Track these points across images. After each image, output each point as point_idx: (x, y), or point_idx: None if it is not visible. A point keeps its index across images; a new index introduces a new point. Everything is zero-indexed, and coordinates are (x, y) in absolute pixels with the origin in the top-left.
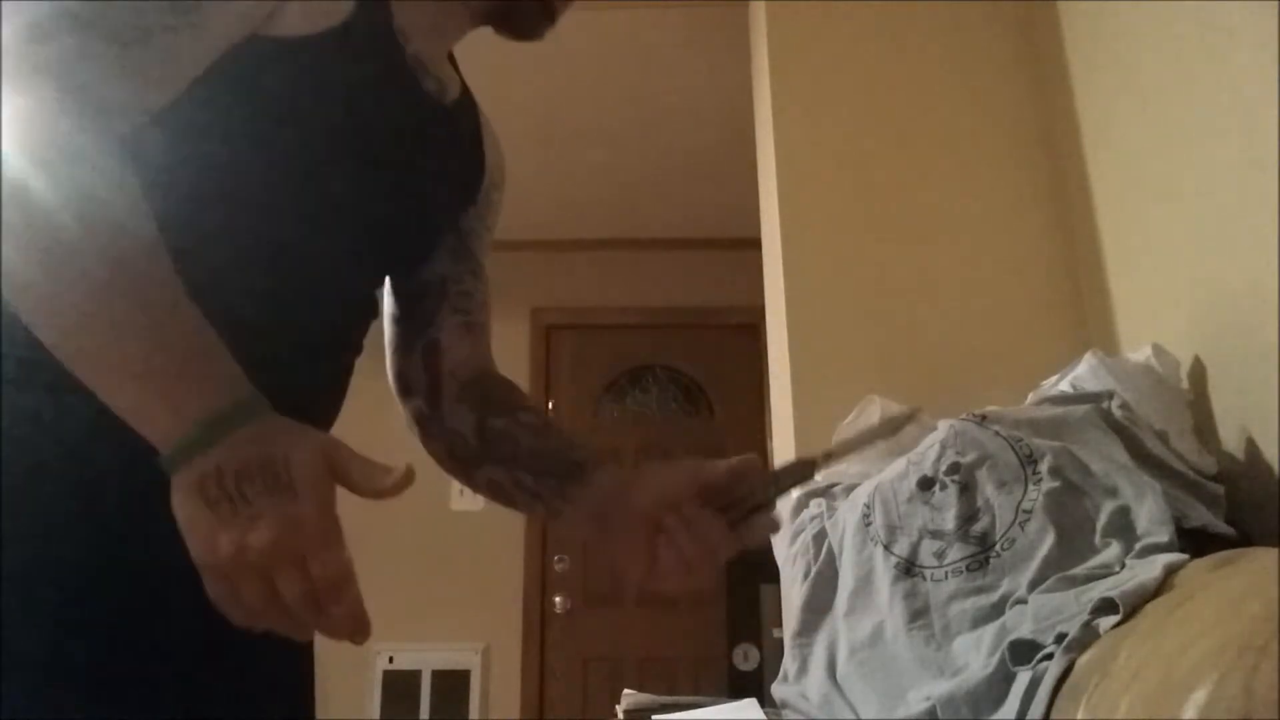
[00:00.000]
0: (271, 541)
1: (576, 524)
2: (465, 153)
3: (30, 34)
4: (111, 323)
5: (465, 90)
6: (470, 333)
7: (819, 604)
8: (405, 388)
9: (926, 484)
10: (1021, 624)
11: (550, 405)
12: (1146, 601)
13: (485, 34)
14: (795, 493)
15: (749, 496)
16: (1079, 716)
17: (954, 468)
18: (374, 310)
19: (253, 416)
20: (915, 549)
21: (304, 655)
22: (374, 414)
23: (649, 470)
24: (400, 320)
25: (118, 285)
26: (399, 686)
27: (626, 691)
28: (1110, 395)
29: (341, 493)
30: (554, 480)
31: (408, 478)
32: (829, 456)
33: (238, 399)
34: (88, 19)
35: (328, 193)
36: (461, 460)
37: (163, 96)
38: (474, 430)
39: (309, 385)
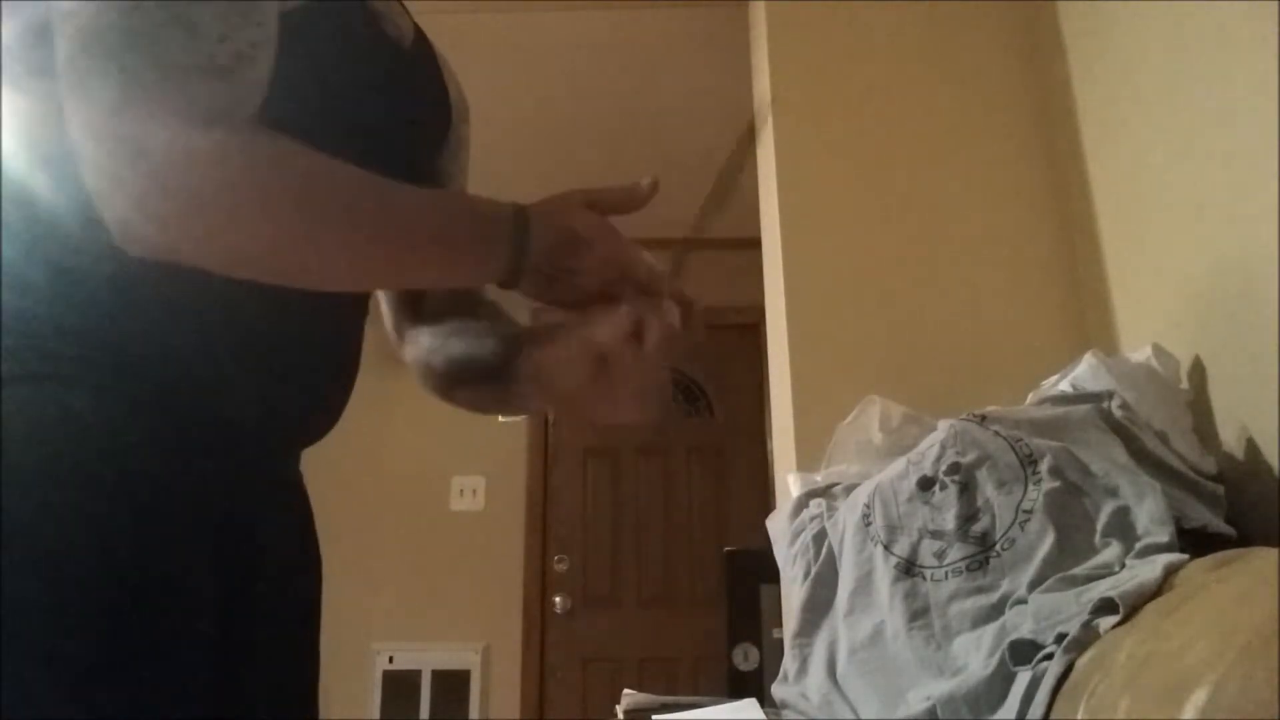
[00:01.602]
0: (605, 277)
1: (536, 398)
2: (430, 93)
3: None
4: (387, 228)
5: (417, 29)
6: None
7: (819, 604)
8: (399, 334)
9: (926, 484)
10: (1021, 624)
11: None
12: (1146, 601)
13: (486, 34)
14: (793, 490)
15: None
16: (1079, 716)
17: (954, 468)
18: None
19: (523, 215)
20: (915, 549)
21: (309, 656)
22: (374, 414)
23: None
24: None
25: (359, 206)
26: (399, 686)
27: (626, 691)
28: (1110, 395)
29: (340, 496)
30: (502, 384)
31: (653, 187)
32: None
33: (509, 211)
34: (185, 64)
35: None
36: (438, 389)
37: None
38: (431, 356)
39: (330, 347)
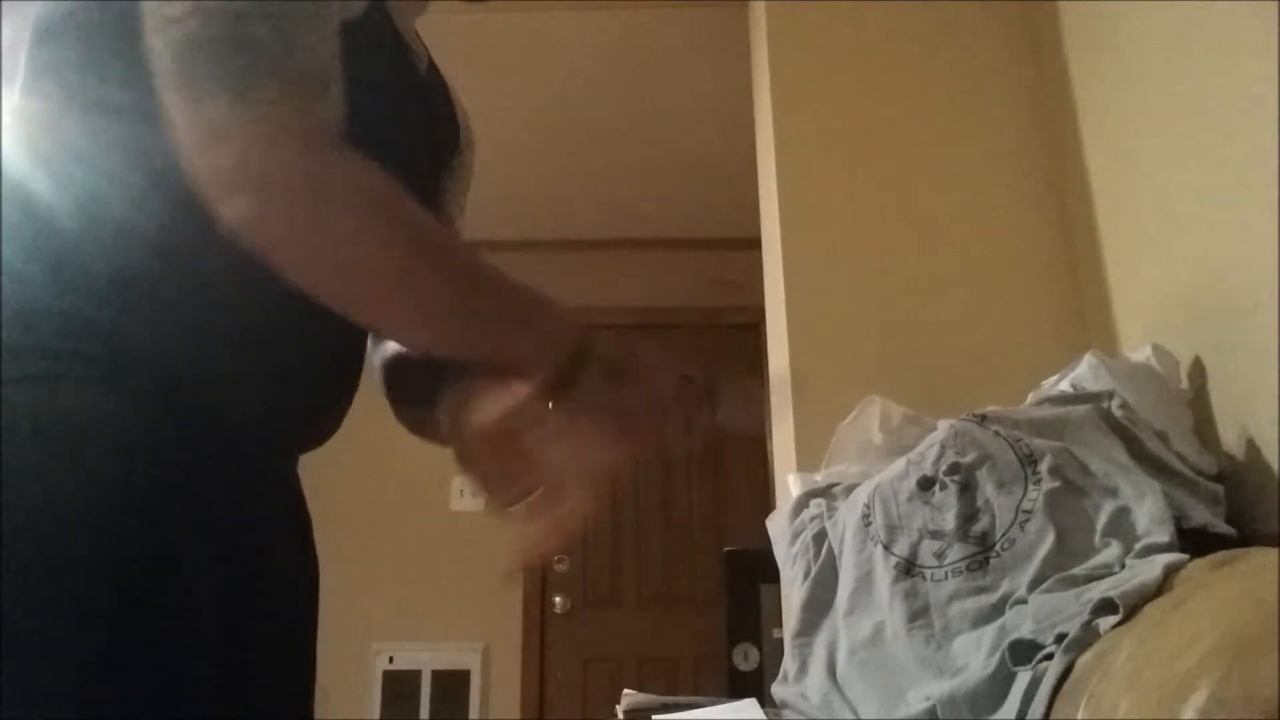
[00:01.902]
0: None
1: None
2: (441, 116)
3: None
4: (470, 306)
5: (430, 58)
6: None
7: (819, 604)
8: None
9: (926, 484)
10: (1021, 624)
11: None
12: (1146, 601)
13: (486, 34)
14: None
15: None
16: (1079, 716)
17: (954, 468)
18: None
19: (590, 337)
20: (915, 549)
21: (306, 658)
22: (375, 415)
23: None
24: None
25: (457, 276)
26: (399, 686)
27: (626, 691)
28: (1110, 395)
29: (340, 496)
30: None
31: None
32: None
33: (579, 330)
34: (288, 77)
35: None
36: (399, 416)
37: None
38: (373, 355)
39: (332, 350)
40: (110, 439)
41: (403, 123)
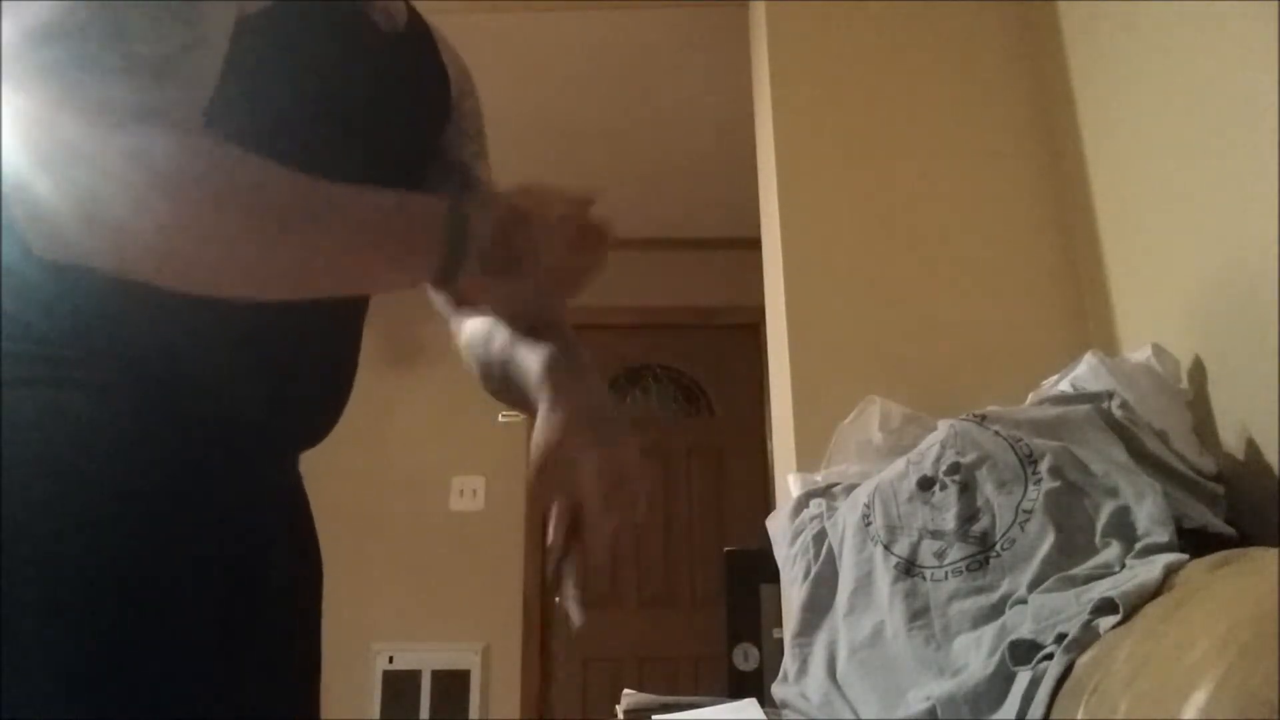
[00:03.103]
0: (557, 241)
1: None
2: (425, 73)
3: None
4: (320, 237)
5: (412, 11)
6: None
7: (819, 604)
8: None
9: (926, 484)
10: (1021, 624)
11: None
12: (1146, 601)
13: (486, 35)
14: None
15: None
16: (1079, 716)
17: (954, 468)
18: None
19: (459, 209)
20: (915, 549)
21: (310, 659)
22: (375, 414)
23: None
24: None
25: (296, 214)
26: (399, 686)
27: (626, 691)
28: (1110, 395)
29: (340, 496)
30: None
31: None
32: None
33: (443, 207)
34: (109, 64)
35: (316, 159)
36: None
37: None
38: (470, 350)
39: (328, 347)
40: (111, 442)
41: (360, 92)
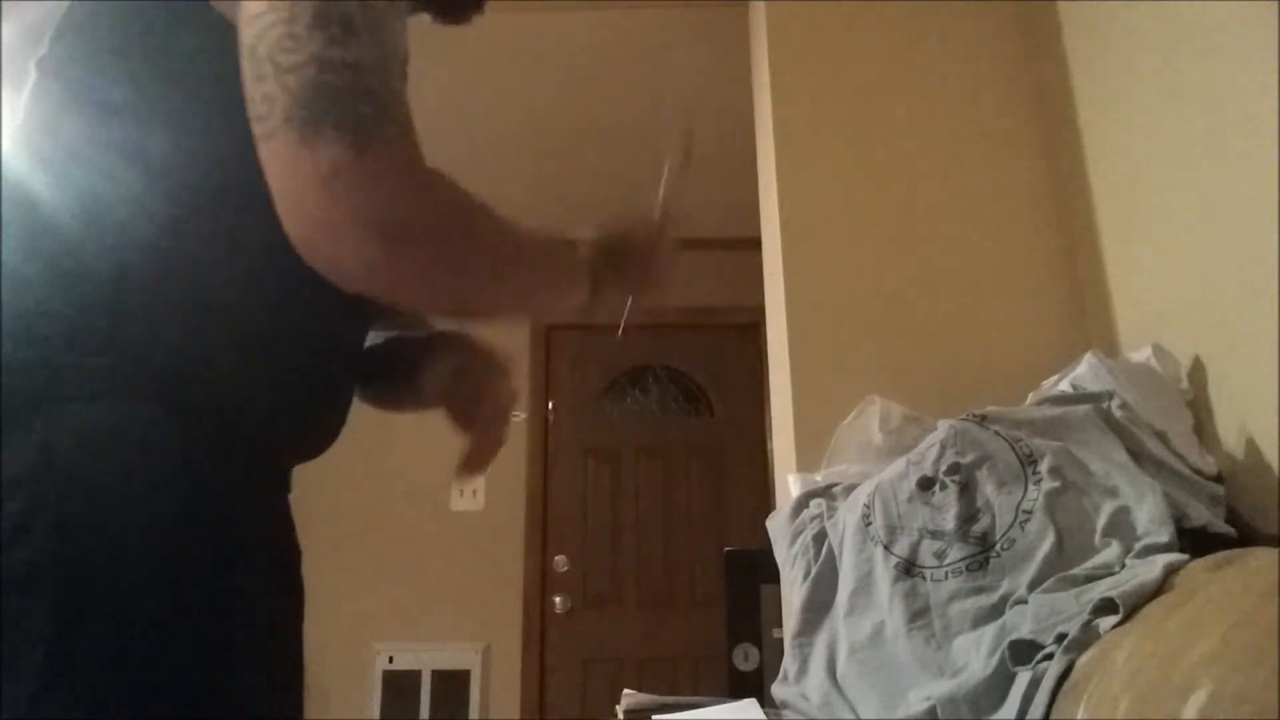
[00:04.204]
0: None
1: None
2: None
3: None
4: (500, 265)
5: None
6: None
7: (819, 604)
8: None
9: (926, 484)
10: (1021, 624)
11: (550, 405)
12: (1146, 601)
13: (485, 35)
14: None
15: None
16: (1079, 716)
17: (954, 468)
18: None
19: (586, 248)
20: (915, 549)
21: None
22: (375, 415)
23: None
24: None
25: (491, 240)
26: (399, 686)
27: (626, 691)
28: (1110, 395)
29: (341, 496)
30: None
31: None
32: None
33: (586, 252)
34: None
35: None
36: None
37: None
38: None
39: (330, 354)
40: (112, 447)
41: None
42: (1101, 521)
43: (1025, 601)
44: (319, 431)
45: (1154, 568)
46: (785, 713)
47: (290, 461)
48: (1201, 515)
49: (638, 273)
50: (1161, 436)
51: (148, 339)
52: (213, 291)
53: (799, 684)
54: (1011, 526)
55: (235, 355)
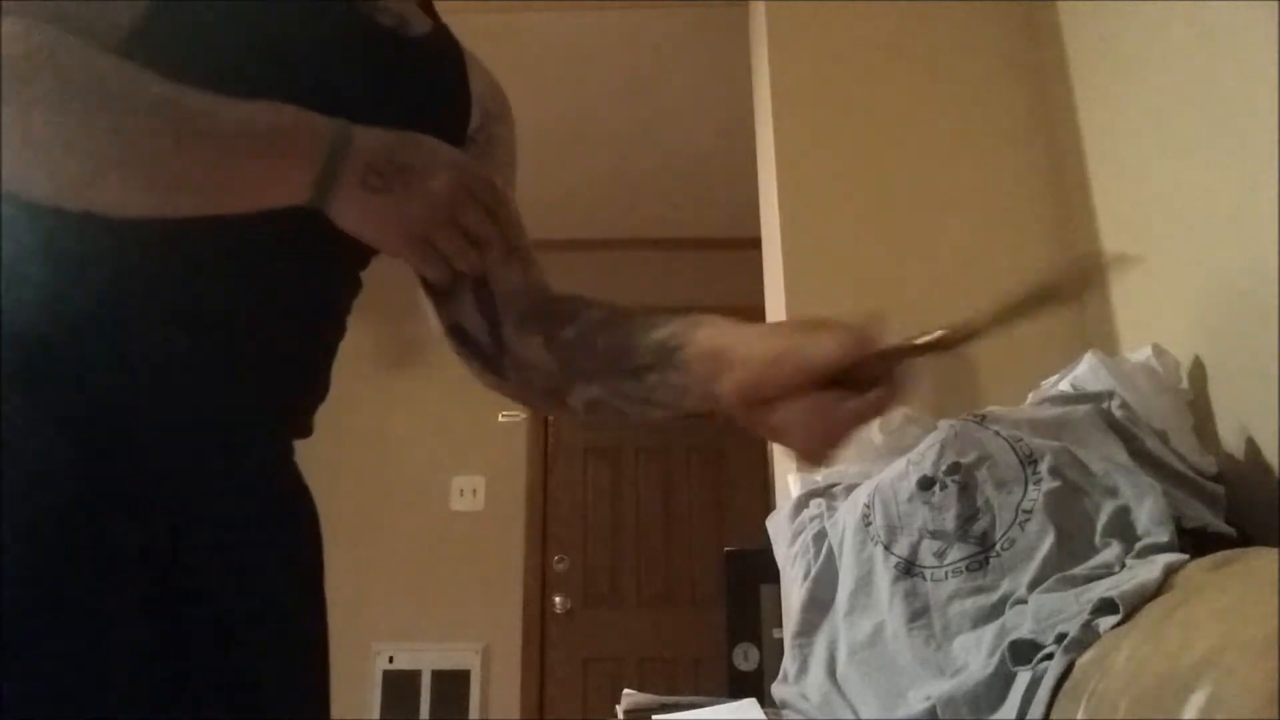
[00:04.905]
0: (450, 178)
1: (721, 411)
2: (438, 84)
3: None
4: (192, 145)
5: (440, 27)
6: (514, 258)
7: (819, 604)
8: (461, 337)
9: (926, 484)
10: (1021, 624)
11: None
12: (1146, 601)
13: (485, 35)
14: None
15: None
16: (1079, 716)
17: (954, 468)
18: (356, 281)
19: (348, 128)
20: (915, 549)
21: (296, 657)
22: (375, 414)
23: (739, 352)
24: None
25: (171, 127)
26: (399, 686)
27: (626, 691)
28: (1110, 395)
29: (340, 496)
30: (655, 375)
31: None
32: (968, 332)
33: (330, 125)
34: None
35: None
36: (548, 391)
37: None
38: (546, 353)
39: (284, 358)
40: (103, 440)
41: (348, 75)
42: (1101, 521)
43: (1025, 601)
44: (294, 408)
45: (1154, 568)
46: (785, 713)
47: (269, 438)
48: (1201, 515)
49: (412, 174)
50: (1161, 436)
51: (142, 334)
52: (159, 268)
53: (799, 684)
54: (1011, 526)
55: (186, 333)
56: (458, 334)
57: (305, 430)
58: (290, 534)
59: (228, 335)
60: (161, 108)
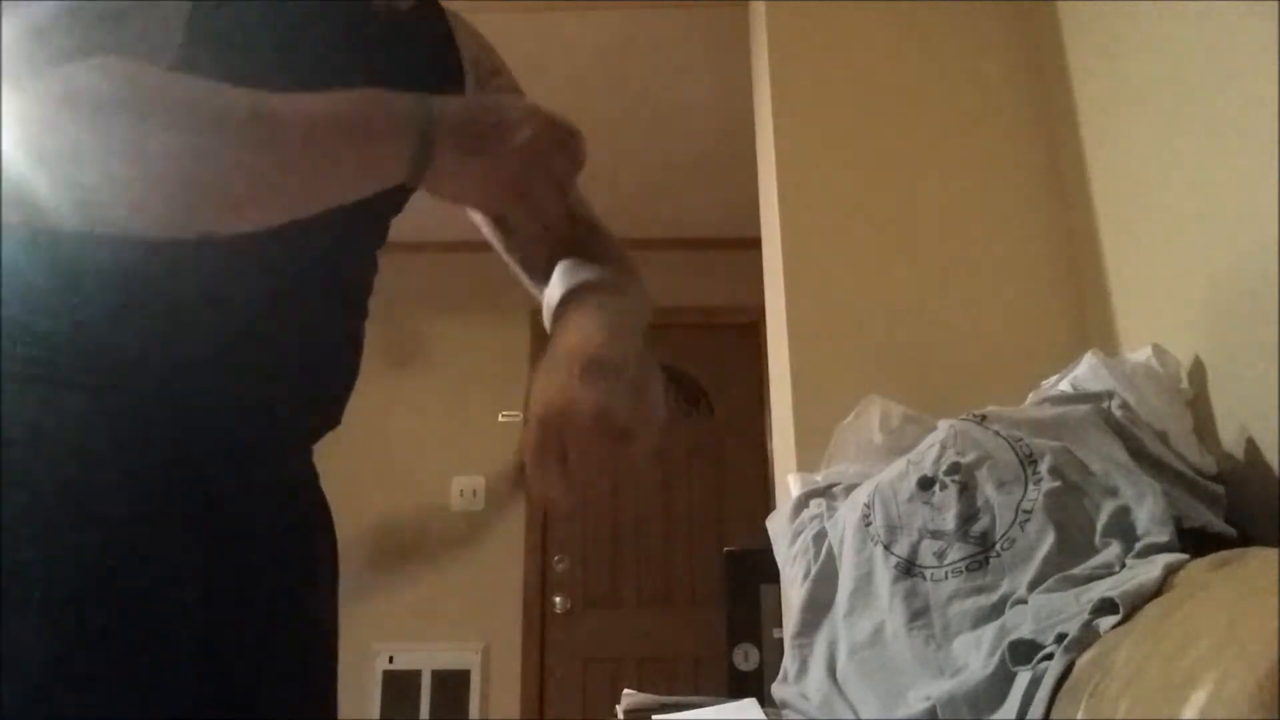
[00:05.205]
0: (536, 128)
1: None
2: (431, 55)
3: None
4: (279, 144)
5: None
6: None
7: (819, 604)
8: (529, 266)
9: (926, 484)
10: (1021, 624)
11: None
12: (1146, 601)
13: (485, 35)
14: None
15: None
16: (1079, 716)
17: (954, 468)
18: (372, 265)
19: (428, 100)
20: (915, 549)
21: (312, 659)
22: (374, 414)
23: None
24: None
25: (268, 129)
26: (399, 686)
27: (626, 691)
28: (1110, 395)
29: (340, 496)
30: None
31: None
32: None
33: (410, 100)
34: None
35: None
36: None
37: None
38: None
39: (326, 345)
40: (108, 440)
41: (339, 64)
42: (1101, 521)
43: (1025, 601)
44: (319, 414)
45: (1154, 568)
46: (785, 713)
47: (293, 444)
48: (1201, 515)
49: (498, 130)
50: (1161, 436)
51: (141, 335)
52: (207, 282)
53: (799, 684)
54: (1011, 526)
55: (233, 344)
56: (527, 265)
57: (336, 420)
58: (321, 534)
59: (277, 325)
60: (253, 123)
